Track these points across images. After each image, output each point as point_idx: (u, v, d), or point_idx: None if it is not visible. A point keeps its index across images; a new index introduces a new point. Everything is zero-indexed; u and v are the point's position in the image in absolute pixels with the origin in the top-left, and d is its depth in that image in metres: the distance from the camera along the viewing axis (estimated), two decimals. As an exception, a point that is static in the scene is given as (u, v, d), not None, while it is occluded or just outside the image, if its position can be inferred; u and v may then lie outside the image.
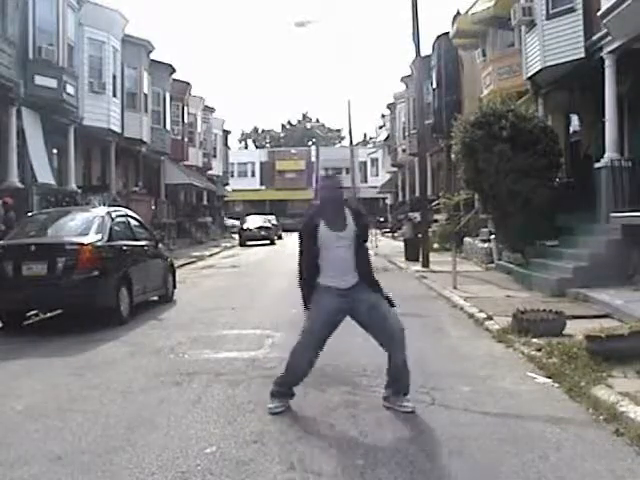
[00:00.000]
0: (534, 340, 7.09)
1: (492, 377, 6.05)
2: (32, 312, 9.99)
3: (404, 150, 37.20)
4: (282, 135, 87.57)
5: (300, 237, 5.17)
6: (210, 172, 40.87)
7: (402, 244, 20.25)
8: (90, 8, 20.89)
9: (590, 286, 10.06)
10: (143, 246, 11.12)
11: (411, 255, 18.89)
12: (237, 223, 43.08)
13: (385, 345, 5.10)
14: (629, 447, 4.18)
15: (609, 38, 11.70)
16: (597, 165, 12.29)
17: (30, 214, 12.65)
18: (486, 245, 16.85)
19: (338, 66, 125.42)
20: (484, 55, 20.10)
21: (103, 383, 6.13)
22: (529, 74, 15.06)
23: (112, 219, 10.20)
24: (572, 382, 5.50)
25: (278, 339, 7.89)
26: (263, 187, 65.99)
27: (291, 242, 31.75)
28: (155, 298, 11.62)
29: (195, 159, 36.24)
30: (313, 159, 62.83)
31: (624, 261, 10.72)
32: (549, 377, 5.87)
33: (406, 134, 36.70)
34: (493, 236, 16.13)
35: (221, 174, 45.14)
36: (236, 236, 37.07)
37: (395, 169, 44.56)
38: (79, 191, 19.66)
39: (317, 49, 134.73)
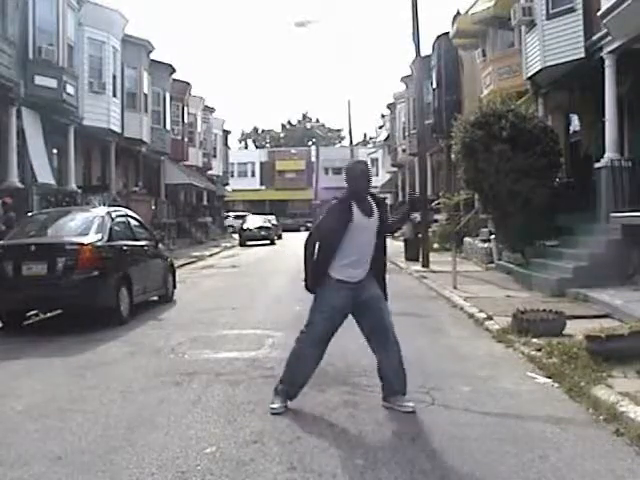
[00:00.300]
0: (534, 340, 7.09)
1: (492, 377, 6.05)
2: (32, 312, 9.98)
3: (404, 150, 37.16)
4: (282, 135, 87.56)
5: (326, 217, 4.97)
6: (210, 172, 40.87)
7: (402, 244, 20.24)
8: (90, 8, 20.89)
9: (590, 286, 10.06)
10: (143, 246, 11.12)
11: (411, 255, 18.89)
12: (235, 223, 43.35)
13: (378, 344, 5.09)
14: (629, 447, 4.18)
15: (609, 38, 11.70)
16: (597, 165, 12.29)
17: (30, 214, 12.65)
18: (486, 245, 16.85)
19: (338, 66, 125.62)
20: (484, 55, 20.09)
21: (103, 383, 6.12)
22: (529, 74, 15.06)
23: (112, 219, 10.19)
24: (572, 382, 5.50)
25: (278, 339, 7.88)
26: (263, 187, 66.02)
27: (291, 242, 31.77)
28: (155, 298, 11.62)
29: (195, 159, 36.22)
30: (313, 159, 62.85)
31: (624, 261, 10.73)
32: (549, 377, 5.87)
33: (406, 134, 36.65)
34: (493, 236, 16.13)
35: (221, 174, 45.13)
36: (236, 235, 37.06)
37: (395, 169, 44.53)
38: (79, 191, 19.65)
39: (317, 49, 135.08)
